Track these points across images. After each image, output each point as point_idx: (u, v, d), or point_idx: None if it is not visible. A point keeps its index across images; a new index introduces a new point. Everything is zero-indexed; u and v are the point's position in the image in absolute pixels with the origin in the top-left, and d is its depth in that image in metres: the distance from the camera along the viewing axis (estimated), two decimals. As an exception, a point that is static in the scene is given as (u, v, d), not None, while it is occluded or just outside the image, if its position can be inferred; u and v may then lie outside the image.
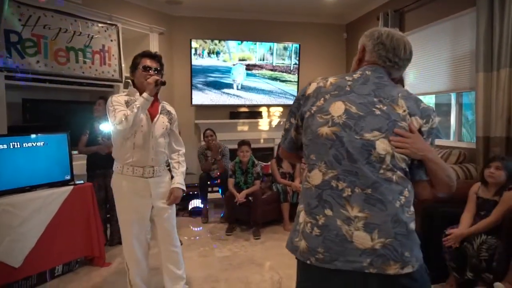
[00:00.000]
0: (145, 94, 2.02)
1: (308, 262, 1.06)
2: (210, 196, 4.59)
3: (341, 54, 5.95)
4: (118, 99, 2.07)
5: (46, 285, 2.68)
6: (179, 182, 2.26)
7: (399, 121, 1.06)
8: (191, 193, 4.51)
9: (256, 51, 5.46)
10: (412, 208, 1.06)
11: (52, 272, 2.75)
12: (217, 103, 5.42)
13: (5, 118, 3.37)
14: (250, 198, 3.91)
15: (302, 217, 1.11)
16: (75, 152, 3.34)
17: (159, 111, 2.19)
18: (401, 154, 1.04)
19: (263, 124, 5.74)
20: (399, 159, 1.05)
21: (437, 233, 2.49)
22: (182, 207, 4.52)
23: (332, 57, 5.89)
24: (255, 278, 2.80)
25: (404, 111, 1.08)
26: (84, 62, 3.95)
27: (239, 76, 5.44)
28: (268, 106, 5.76)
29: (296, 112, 1.21)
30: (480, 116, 3.20)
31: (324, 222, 1.04)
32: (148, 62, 2.11)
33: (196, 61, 5.19)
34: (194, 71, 5.21)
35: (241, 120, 5.60)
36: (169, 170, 2.35)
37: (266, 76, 5.57)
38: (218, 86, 5.38)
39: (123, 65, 4.33)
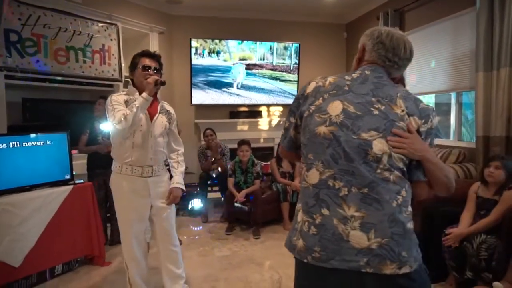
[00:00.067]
0: (144, 94, 2.02)
1: (305, 260, 1.06)
2: (210, 195, 4.59)
3: (341, 54, 5.94)
4: (117, 98, 2.07)
5: (46, 284, 2.69)
6: (178, 181, 2.27)
7: (397, 121, 1.05)
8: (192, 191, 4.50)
9: (257, 50, 5.46)
10: (410, 208, 1.05)
11: (52, 271, 2.76)
12: (217, 103, 5.42)
13: (5, 117, 3.37)
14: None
15: (300, 216, 1.12)
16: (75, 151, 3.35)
17: (158, 111, 2.19)
18: (399, 154, 1.04)
19: (263, 123, 5.74)
20: (396, 159, 1.04)
21: (437, 232, 2.49)
22: (181, 207, 4.52)
23: (332, 57, 5.88)
24: (254, 277, 2.80)
25: (403, 111, 1.07)
26: (84, 62, 3.95)
27: (239, 75, 5.44)
28: (268, 105, 5.76)
29: (295, 111, 1.21)
30: (480, 116, 3.19)
31: (321, 221, 1.05)
32: (147, 61, 2.11)
33: (197, 61, 5.19)
34: (195, 71, 5.20)
35: (241, 120, 5.60)
36: (168, 169, 2.36)
37: (266, 76, 5.57)
38: (218, 85, 5.38)
39: (123, 65, 4.33)
